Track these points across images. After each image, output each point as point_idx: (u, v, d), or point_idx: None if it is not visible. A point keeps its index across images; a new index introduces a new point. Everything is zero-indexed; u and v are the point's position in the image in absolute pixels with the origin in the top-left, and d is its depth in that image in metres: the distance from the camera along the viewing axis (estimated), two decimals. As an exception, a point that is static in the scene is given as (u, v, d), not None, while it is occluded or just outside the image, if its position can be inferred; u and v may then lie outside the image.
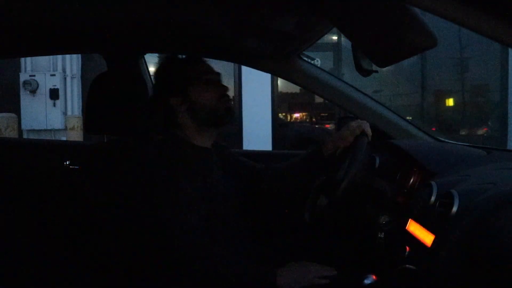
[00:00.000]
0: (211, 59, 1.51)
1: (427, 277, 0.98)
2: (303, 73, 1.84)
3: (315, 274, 1.26)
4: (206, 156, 1.40)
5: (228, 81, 5.44)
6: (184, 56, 1.47)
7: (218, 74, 1.44)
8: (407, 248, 1.09)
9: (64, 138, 6.54)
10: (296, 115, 7.48)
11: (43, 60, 6.96)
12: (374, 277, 1.19)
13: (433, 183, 1.13)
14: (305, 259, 1.39)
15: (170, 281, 1.29)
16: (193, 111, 1.36)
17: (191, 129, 1.38)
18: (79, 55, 6.88)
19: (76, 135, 6.65)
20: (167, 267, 1.28)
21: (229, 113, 1.39)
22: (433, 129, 6.91)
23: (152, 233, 1.28)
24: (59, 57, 6.89)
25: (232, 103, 1.36)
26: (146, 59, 2.06)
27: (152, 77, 1.99)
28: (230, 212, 1.37)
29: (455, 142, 1.86)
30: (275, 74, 2.27)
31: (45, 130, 6.92)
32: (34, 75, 6.87)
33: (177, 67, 1.41)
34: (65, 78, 7.04)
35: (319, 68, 1.90)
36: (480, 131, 7.25)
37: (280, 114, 6.98)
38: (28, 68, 6.98)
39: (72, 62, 7.07)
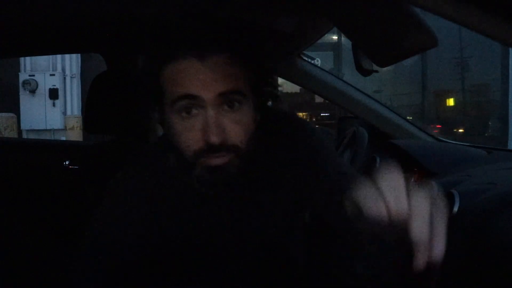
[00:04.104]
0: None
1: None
2: (303, 73, 1.84)
3: None
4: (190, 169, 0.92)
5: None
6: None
7: (236, 92, 0.78)
8: (407, 248, 1.09)
9: (63, 138, 6.54)
10: (296, 115, 7.47)
11: (42, 60, 6.97)
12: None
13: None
14: (304, 259, 1.39)
15: None
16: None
17: None
18: (79, 55, 6.88)
19: (76, 135, 6.66)
20: None
21: (211, 175, 0.79)
22: (436, 131, 6.90)
23: None
24: (59, 57, 6.90)
25: (232, 166, 0.76)
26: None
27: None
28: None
29: (456, 142, 1.86)
30: (275, 74, 2.27)
31: (45, 130, 6.93)
32: (33, 75, 6.88)
33: (155, 63, 0.82)
34: (64, 78, 7.05)
35: (319, 68, 1.90)
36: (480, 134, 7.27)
37: (280, 114, 6.96)
38: (28, 68, 6.98)
39: (71, 62, 7.08)
